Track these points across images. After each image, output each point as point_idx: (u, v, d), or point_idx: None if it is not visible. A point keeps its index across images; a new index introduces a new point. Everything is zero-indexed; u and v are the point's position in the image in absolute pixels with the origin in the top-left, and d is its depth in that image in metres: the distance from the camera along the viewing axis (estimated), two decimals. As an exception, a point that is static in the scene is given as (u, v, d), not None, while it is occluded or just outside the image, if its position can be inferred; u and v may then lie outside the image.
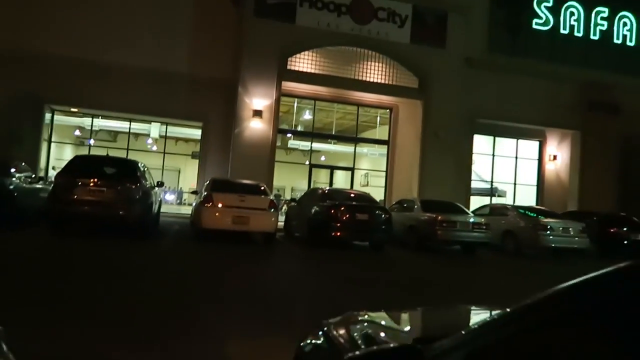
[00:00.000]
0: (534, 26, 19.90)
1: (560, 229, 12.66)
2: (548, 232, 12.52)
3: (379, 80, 18.04)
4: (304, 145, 23.68)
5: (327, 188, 12.48)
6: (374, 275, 7.99)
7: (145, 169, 11.41)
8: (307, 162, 19.80)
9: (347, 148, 24.52)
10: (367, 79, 17.93)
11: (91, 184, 9.34)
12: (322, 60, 17.48)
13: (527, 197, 20.80)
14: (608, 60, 20.46)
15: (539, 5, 19.87)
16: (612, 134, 20.27)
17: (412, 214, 12.84)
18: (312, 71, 17.40)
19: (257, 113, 16.57)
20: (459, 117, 18.52)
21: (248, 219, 10.37)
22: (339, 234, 10.95)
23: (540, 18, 19.87)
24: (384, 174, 19.86)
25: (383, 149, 20.37)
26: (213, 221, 10.35)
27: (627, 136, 20.37)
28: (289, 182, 31.38)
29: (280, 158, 18.58)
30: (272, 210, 10.73)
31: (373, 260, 10.02)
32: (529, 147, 21.36)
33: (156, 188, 11.79)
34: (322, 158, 25.03)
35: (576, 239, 12.74)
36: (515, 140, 21.10)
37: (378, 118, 21.47)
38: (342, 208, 11.02)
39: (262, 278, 7.16)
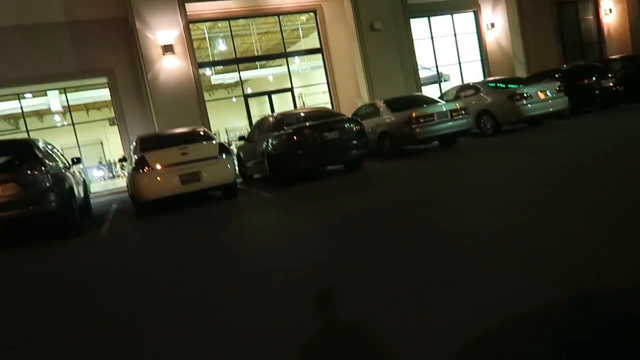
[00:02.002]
0: None
1: (538, 93, 11.24)
2: (526, 100, 11.09)
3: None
4: (230, 77, 20.84)
5: (278, 113, 10.28)
6: (373, 208, 6.17)
7: (49, 147, 8.72)
8: (241, 94, 17.18)
9: (278, 69, 21.95)
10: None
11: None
12: (226, -31, 14.47)
13: (473, 74, 19.44)
14: None
15: None
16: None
17: (380, 118, 10.97)
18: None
19: (168, 48, 13.65)
20: (390, 2, 16.36)
21: (199, 174, 8.12)
22: (308, 162, 8.94)
23: None
24: (325, 86, 17.69)
25: (318, 60, 18.02)
26: (155, 188, 8.03)
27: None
28: (222, 123, 28.54)
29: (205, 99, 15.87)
30: (225, 155, 8.48)
31: (358, 186, 8.22)
32: (465, 20, 19.65)
33: (72, 168, 9.18)
34: (249, 90, 22.34)
35: (556, 100, 11.41)
36: (449, 16, 19.28)
37: (301, 28, 18.91)
38: (305, 130, 8.94)
39: (250, 250, 5.17)
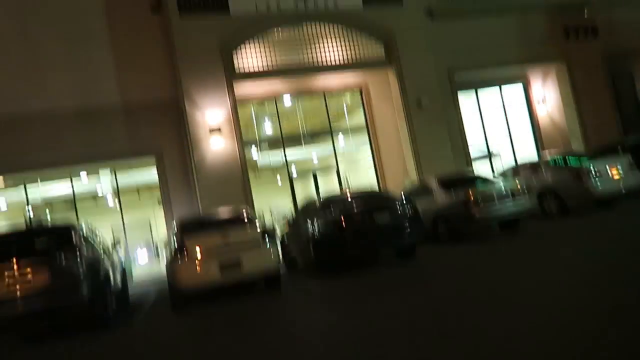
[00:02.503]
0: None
1: (608, 169, 10.23)
2: (596, 177, 10.08)
3: (341, 56, 15.33)
4: (275, 157, 20.83)
5: (325, 196, 9.68)
6: (436, 304, 5.28)
7: (91, 231, 8.40)
8: (286, 174, 16.93)
9: (324, 148, 21.83)
10: (328, 58, 15.21)
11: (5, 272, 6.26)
12: (272, 48, 14.69)
13: (525, 149, 18.53)
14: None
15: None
16: (596, 59, 18.26)
17: (433, 198, 10.18)
18: (264, 63, 14.56)
19: (215, 129, 13.64)
20: (437, 77, 16.07)
21: (239, 262, 7.48)
22: (356, 249, 8.18)
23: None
24: (372, 164, 17.19)
25: (363, 138, 17.72)
26: (194, 277, 7.41)
27: (609, 57, 18.38)
28: (267, 204, 28.40)
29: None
30: (269, 240, 7.85)
31: (413, 276, 7.31)
32: (514, 92, 19.08)
33: (112, 253, 8.79)
34: (294, 170, 22.21)
35: (630, 177, 10.33)
36: (497, 88, 18.77)
37: (347, 106, 18.88)
38: (353, 214, 8.25)
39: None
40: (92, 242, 7.75)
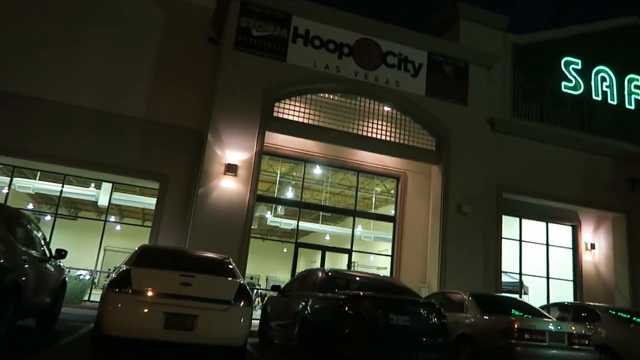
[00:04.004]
0: (563, 89, 16.38)
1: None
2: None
3: (388, 137, 13.81)
4: (288, 223, 18.89)
5: (332, 269, 7.54)
6: None
7: (33, 227, 6.47)
8: (293, 241, 14.85)
9: (341, 229, 19.83)
10: (373, 136, 13.69)
11: None
12: (317, 109, 13.30)
13: (562, 294, 16.00)
14: (645, 133, 16.91)
15: (567, 67, 16.52)
16: (659, 219, 16.19)
17: (463, 316, 7.87)
18: (304, 119, 13.11)
19: (231, 168, 11.92)
20: (484, 190, 14.22)
21: (194, 321, 5.29)
22: (358, 349, 5.85)
23: (570, 81, 16.45)
24: (388, 260, 14.99)
25: (386, 230, 15.70)
26: (126, 323, 5.23)
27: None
28: (265, 270, 26.02)
29: (254, 243, 13.64)
30: (242, 304, 5.67)
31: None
32: (561, 233, 16.94)
33: (51, 261, 6.74)
34: (301, 242, 20.05)
35: None
36: (544, 223, 16.71)
37: (378, 193, 17.10)
38: (364, 300, 6.04)
39: None
40: (15, 238, 5.73)
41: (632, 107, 17.04)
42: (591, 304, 10.03)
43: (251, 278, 22.75)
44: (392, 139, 13.83)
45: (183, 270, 5.64)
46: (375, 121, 13.77)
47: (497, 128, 15.09)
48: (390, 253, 14.83)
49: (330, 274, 7.14)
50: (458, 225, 13.53)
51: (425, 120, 14.03)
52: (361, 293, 6.21)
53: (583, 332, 7.18)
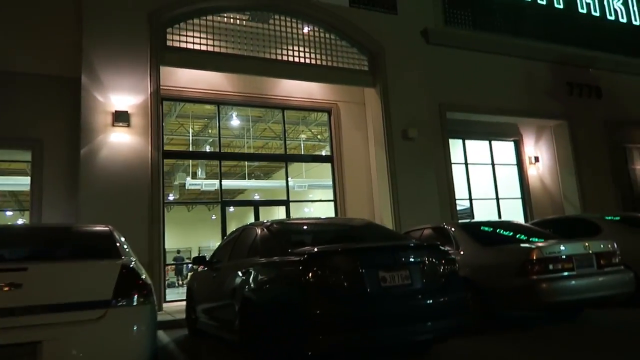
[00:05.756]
0: (493, -7, 14.65)
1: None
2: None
3: (312, 62, 11.34)
4: (210, 184, 16.10)
5: (276, 221, 5.11)
6: None
7: None
8: (218, 201, 12.19)
9: (273, 182, 17.46)
10: (295, 61, 11.15)
11: None
12: (224, 35, 10.46)
13: (513, 214, 14.87)
14: (577, 34, 15.78)
15: (494, -33, 14.73)
16: (598, 122, 15.37)
17: (461, 254, 5.84)
18: (208, 49, 10.25)
19: (121, 116, 8.94)
20: (427, 110, 12.34)
21: (35, 353, 2.71)
22: (346, 337, 3.53)
23: (499, -17, 14.70)
24: (332, 206, 12.84)
25: (322, 176, 13.55)
26: None
27: (608, 124, 15.57)
28: (195, 241, 23.04)
29: (179, 213, 10.86)
30: (132, 301, 3.11)
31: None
32: (504, 150, 15.67)
33: None
34: (228, 200, 17.44)
35: None
36: (487, 142, 15.30)
37: (307, 129, 14.80)
38: (338, 259, 3.69)
39: None
40: None
41: (561, 6, 15.75)
42: (586, 214, 8.53)
43: (178, 252, 19.84)
44: (319, 63, 11.38)
45: (7, 260, 2.99)
46: (296, 44, 11.23)
47: (432, 40, 13.10)
48: (332, 197, 12.67)
49: (275, 226, 4.71)
50: (405, 153, 11.62)
51: (353, 36, 11.69)
52: (328, 248, 3.88)
53: (610, 248, 5.42)
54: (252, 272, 4.24)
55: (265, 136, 16.12)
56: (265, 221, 5.06)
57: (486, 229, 6.19)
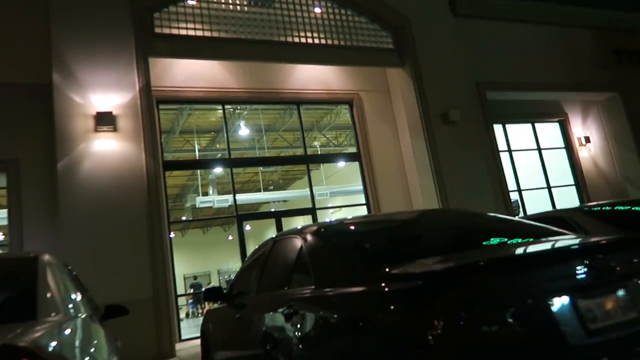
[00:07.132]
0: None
1: None
2: None
3: (328, 42, 9.50)
4: (222, 200, 14.22)
5: (342, 220, 3.13)
6: None
7: None
8: (234, 215, 10.29)
9: (293, 192, 15.61)
10: (308, 42, 9.31)
11: None
12: (222, 18, 8.66)
13: (569, 203, 12.75)
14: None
15: None
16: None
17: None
18: (204, 34, 8.45)
19: (105, 119, 7.12)
20: (465, 91, 10.42)
21: None
22: None
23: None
24: (364, 208, 10.86)
25: (350, 182, 11.63)
26: None
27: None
28: (214, 264, 21.02)
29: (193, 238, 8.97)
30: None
31: None
32: (549, 131, 13.60)
33: None
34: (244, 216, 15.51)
35: None
36: (530, 125, 13.26)
37: (328, 123, 12.94)
38: (505, 283, 1.67)
39: None
40: None
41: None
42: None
43: (195, 278, 17.87)
44: (337, 43, 9.54)
45: None
46: (308, 23, 9.38)
47: (460, 10, 11.24)
48: (364, 201, 10.69)
49: (332, 230, 2.69)
50: (448, 140, 9.67)
51: (372, 9, 9.85)
52: (463, 261, 1.93)
53: None
54: (307, 317, 2.29)
55: (278, 146, 14.31)
56: (308, 226, 3.09)
57: (621, 208, 4.17)
